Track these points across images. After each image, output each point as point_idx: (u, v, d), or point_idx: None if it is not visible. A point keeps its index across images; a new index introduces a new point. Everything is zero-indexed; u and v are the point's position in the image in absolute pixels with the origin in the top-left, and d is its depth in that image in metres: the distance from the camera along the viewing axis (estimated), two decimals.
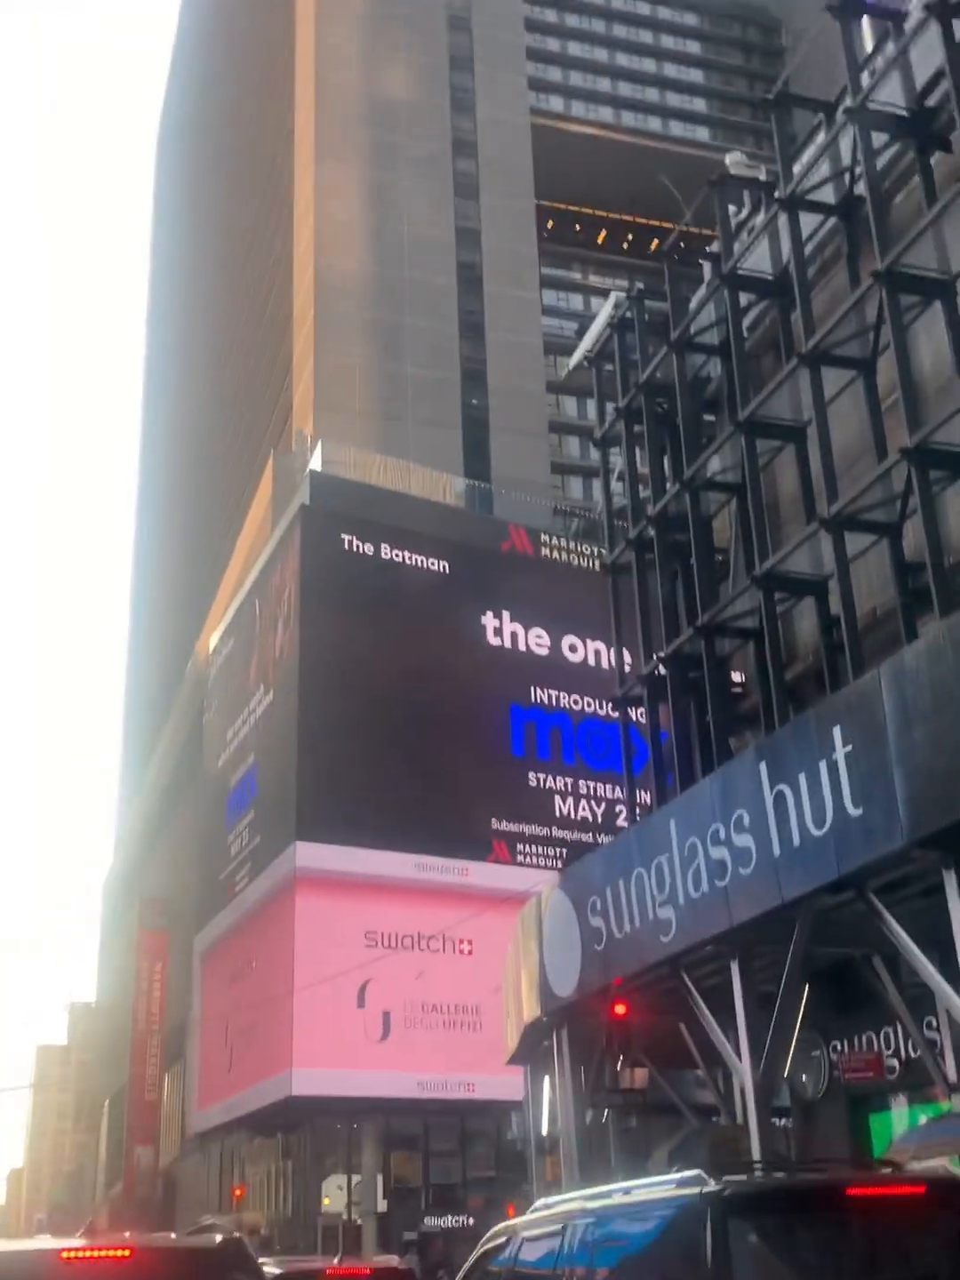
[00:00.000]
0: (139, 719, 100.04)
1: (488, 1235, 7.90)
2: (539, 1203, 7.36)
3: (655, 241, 63.68)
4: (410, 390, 58.51)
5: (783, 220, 17.40)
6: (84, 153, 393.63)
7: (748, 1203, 5.59)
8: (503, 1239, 7.52)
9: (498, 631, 42.96)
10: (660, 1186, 6.13)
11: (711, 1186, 5.59)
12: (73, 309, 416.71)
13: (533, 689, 42.69)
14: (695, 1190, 5.65)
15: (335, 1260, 16.35)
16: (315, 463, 45.86)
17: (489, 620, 42.82)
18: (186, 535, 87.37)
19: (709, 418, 21.06)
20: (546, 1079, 20.06)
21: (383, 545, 41.70)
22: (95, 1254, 5.87)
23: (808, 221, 17.35)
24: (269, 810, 41.19)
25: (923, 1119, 15.05)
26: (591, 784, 42.30)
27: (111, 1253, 5.89)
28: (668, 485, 20.19)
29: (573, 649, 43.71)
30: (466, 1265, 8.11)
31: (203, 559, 76.46)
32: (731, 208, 20.02)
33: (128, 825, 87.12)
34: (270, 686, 43.14)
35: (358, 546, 41.33)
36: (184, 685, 65.53)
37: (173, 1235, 7.82)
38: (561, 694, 43.05)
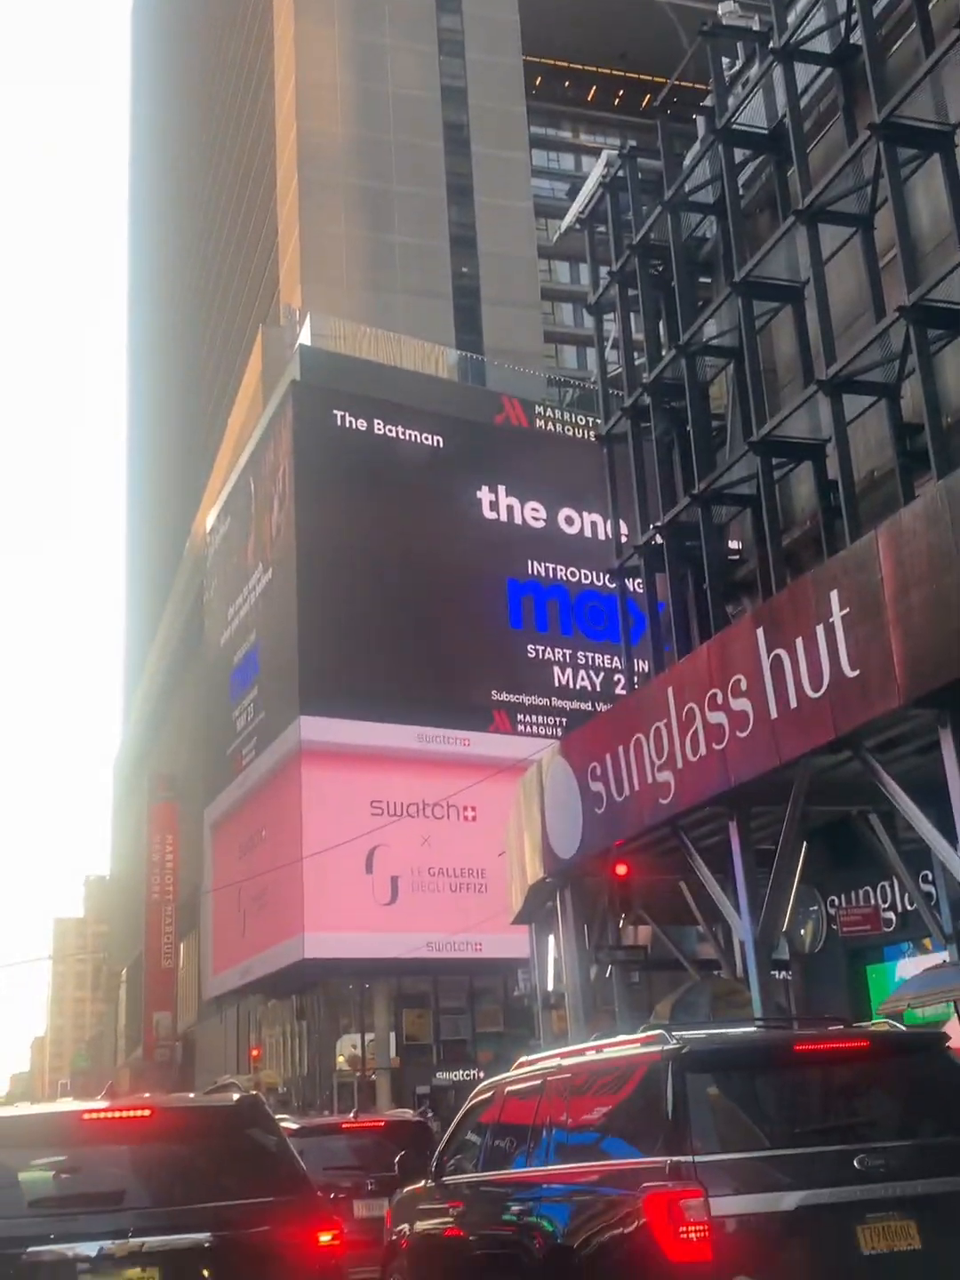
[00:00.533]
0: (141, 598, 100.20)
1: (474, 1091, 8.46)
2: (521, 1060, 7.89)
3: (647, 97, 61.85)
4: (398, 259, 57.39)
5: (778, 72, 16.95)
6: (60, 19, 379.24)
7: (704, 1059, 6.18)
8: (489, 1094, 8.11)
9: (493, 505, 42.82)
10: (628, 1045, 6.71)
11: (672, 1045, 6.16)
12: (54, 182, 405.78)
13: (530, 562, 42.73)
14: (657, 1049, 6.24)
15: (351, 1114, 17.05)
16: (304, 337, 45.21)
17: (484, 494, 42.66)
18: (180, 413, 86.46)
19: (705, 280, 20.76)
20: (551, 937, 20.63)
21: (376, 421, 41.34)
22: (116, 1115, 6.03)
23: (803, 73, 16.90)
24: (272, 686, 41.58)
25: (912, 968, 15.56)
26: (589, 655, 42.62)
27: (132, 1113, 6.05)
28: (663, 351, 19.98)
29: (569, 521, 43.64)
30: (456, 1118, 8.63)
31: (197, 437, 75.81)
32: (725, 60, 19.48)
33: (135, 702, 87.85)
34: (269, 565, 43.18)
35: (350, 422, 40.98)
36: (183, 564, 65.53)
37: (191, 1095, 8.12)
38: (558, 567, 43.10)
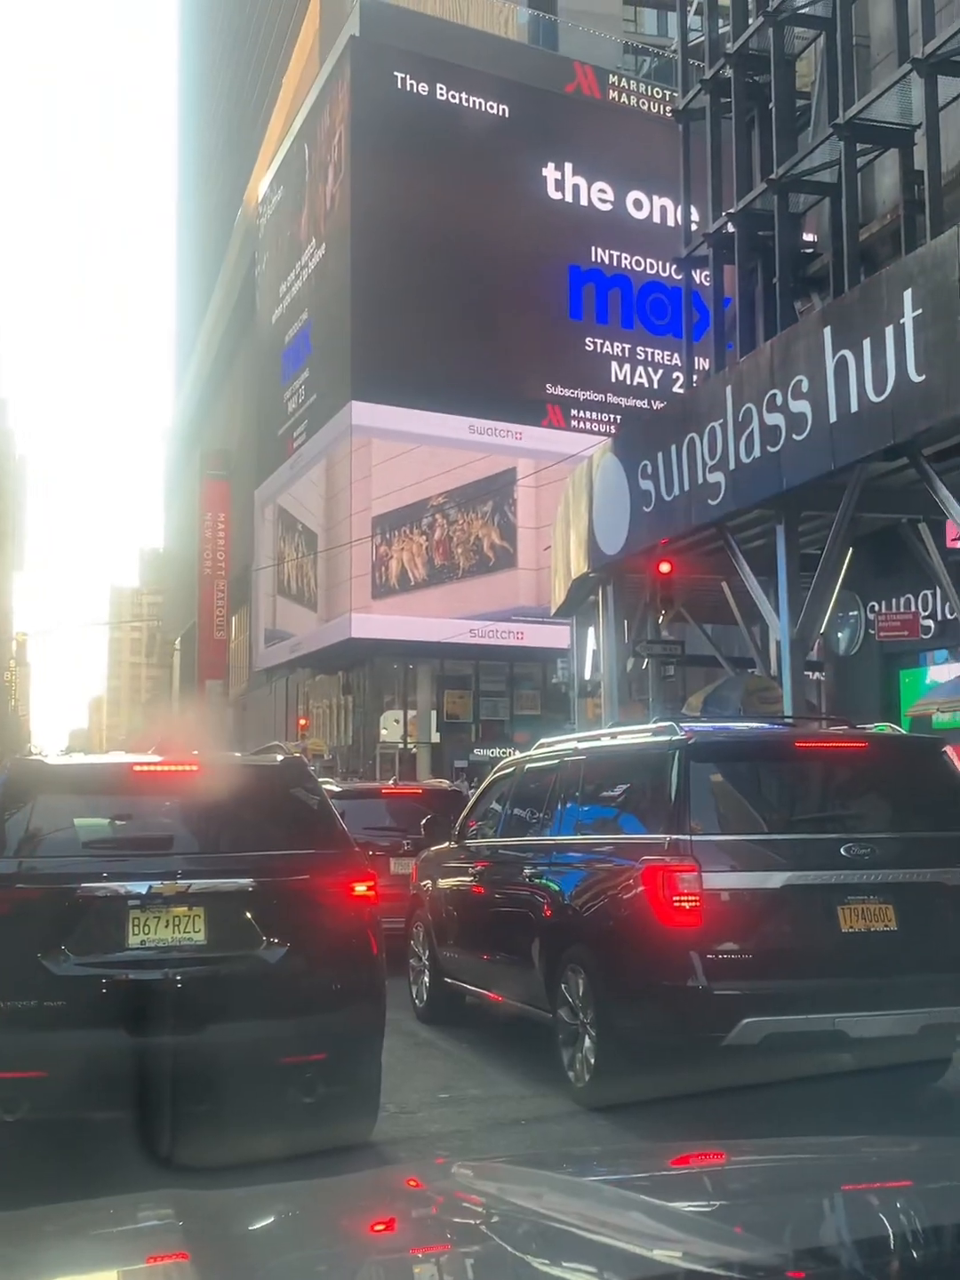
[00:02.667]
0: (192, 267, 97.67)
1: (497, 766, 8.93)
2: (542, 741, 8.30)
3: None
4: None
5: None
6: None
7: (709, 750, 6.63)
8: (510, 770, 8.57)
9: (559, 184, 40.74)
10: (640, 734, 7.17)
11: (679, 735, 6.55)
12: None
13: (593, 249, 40.95)
14: (666, 738, 6.63)
15: (392, 781, 17.93)
16: None
17: (549, 171, 40.52)
18: (231, 69, 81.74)
19: None
20: (591, 630, 21.07)
21: (438, 85, 38.91)
22: (165, 768, 6.31)
23: None
24: (324, 368, 40.99)
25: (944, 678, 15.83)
26: (650, 350, 41.46)
27: (180, 767, 6.29)
28: (750, 18, 18.48)
29: (638, 205, 41.56)
30: (479, 787, 9.15)
31: (250, 95, 71.90)
32: None
33: (188, 376, 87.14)
34: (322, 240, 41.73)
35: (411, 85, 38.61)
36: (235, 234, 63.48)
37: (238, 754, 8.52)
38: (623, 254, 41.33)
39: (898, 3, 15.83)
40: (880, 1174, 2.49)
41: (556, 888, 7.21)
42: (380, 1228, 2.30)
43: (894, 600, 17.19)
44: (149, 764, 6.46)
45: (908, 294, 11.91)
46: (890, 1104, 6.38)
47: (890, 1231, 2.08)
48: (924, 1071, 6.78)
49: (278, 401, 46.63)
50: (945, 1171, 2.46)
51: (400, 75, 38.39)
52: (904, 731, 7.95)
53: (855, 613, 17.67)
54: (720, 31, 19.71)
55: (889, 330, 12.13)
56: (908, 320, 11.87)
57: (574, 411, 39.90)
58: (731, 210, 18.60)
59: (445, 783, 18.19)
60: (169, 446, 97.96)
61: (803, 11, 17.65)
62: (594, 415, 39.99)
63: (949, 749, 7.02)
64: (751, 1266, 1.81)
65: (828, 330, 13.37)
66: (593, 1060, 6.51)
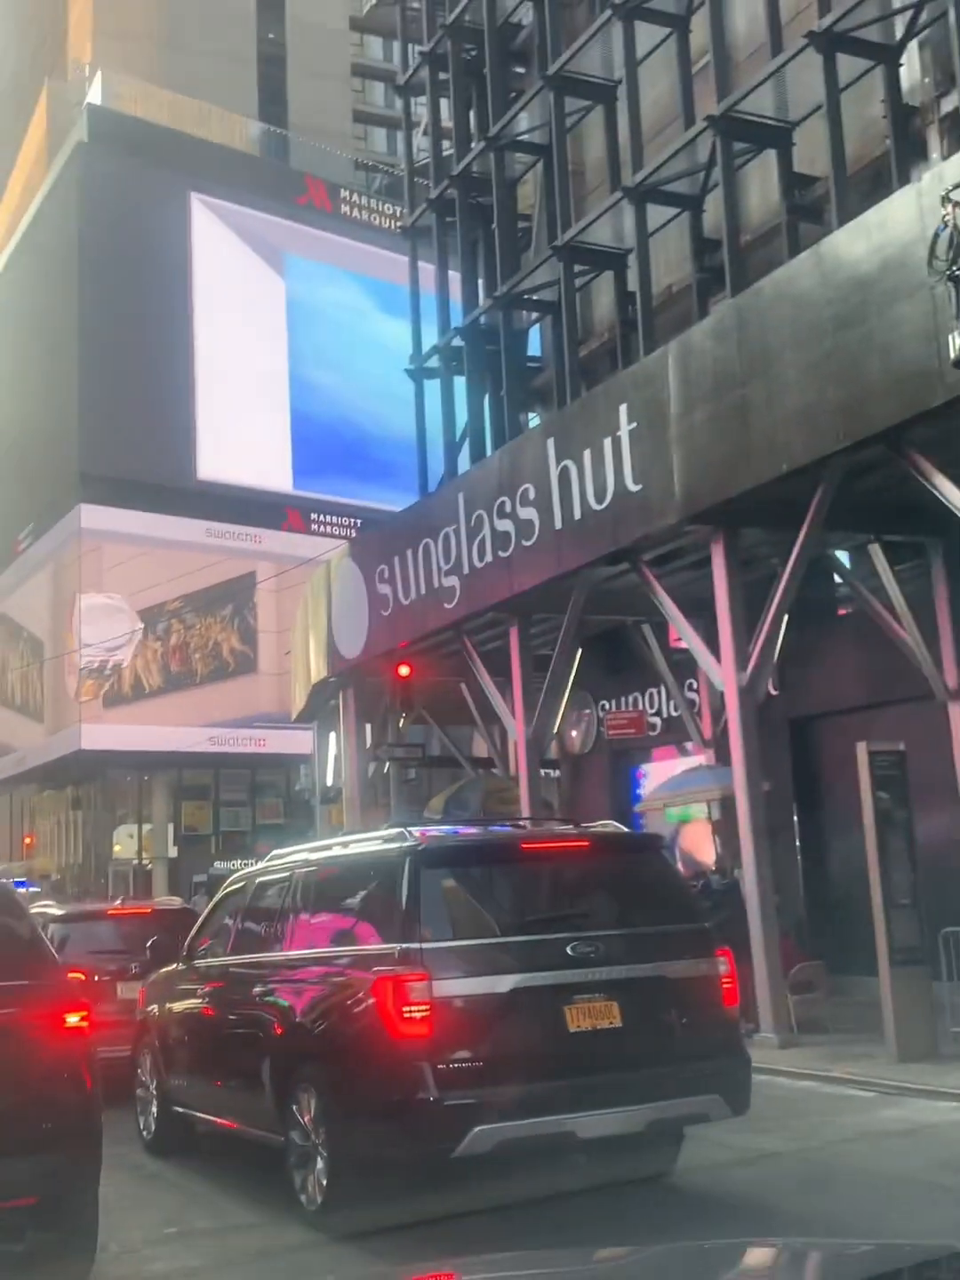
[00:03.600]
0: None
1: (227, 881, 8.76)
2: (272, 854, 8.19)
3: None
4: (201, 17, 53.33)
5: None
6: None
7: (439, 856, 6.63)
8: (241, 884, 8.46)
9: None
10: (371, 842, 7.14)
11: (410, 841, 6.57)
12: None
13: None
14: (396, 845, 6.63)
15: (119, 901, 17.17)
16: (95, 95, 41.89)
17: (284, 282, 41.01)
18: None
19: (519, 70, 20.05)
20: (332, 735, 20.95)
21: (168, 192, 38.98)
22: None
23: None
24: (51, 470, 39.84)
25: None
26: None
27: None
28: (473, 143, 19.32)
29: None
30: (209, 906, 8.92)
31: None
32: None
33: None
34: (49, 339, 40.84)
35: (141, 195, 38.53)
36: None
37: None
38: None
39: (609, 134, 16.85)
40: None
41: (286, 1004, 7.00)
42: None
43: (623, 698, 17.78)
44: None
45: (623, 408, 12.51)
46: (626, 1200, 6.38)
47: None
48: (655, 1163, 6.83)
49: (2, 500, 44.89)
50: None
51: (130, 184, 38.19)
52: (624, 829, 8.14)
53: (587, 711, 18.18)
54: (445, 154, 20.50)
55: (607, 442, 12.69)
56: (623, 433, 12.46)
57: (314, 514, 40.01)
58: (458, 325, 19.21)
59: (176, 901, 17.56)
60: None
61: (522, 138, 18.56)
62: (334, 518, 40.18)
63: (677, 842, 7.23)
64: None
65: (550, 441, 13.90)
66: (325, 1182, 6.28)
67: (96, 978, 10.21)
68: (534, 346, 20.47)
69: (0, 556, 44.60)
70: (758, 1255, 2.76)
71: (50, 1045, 5.50)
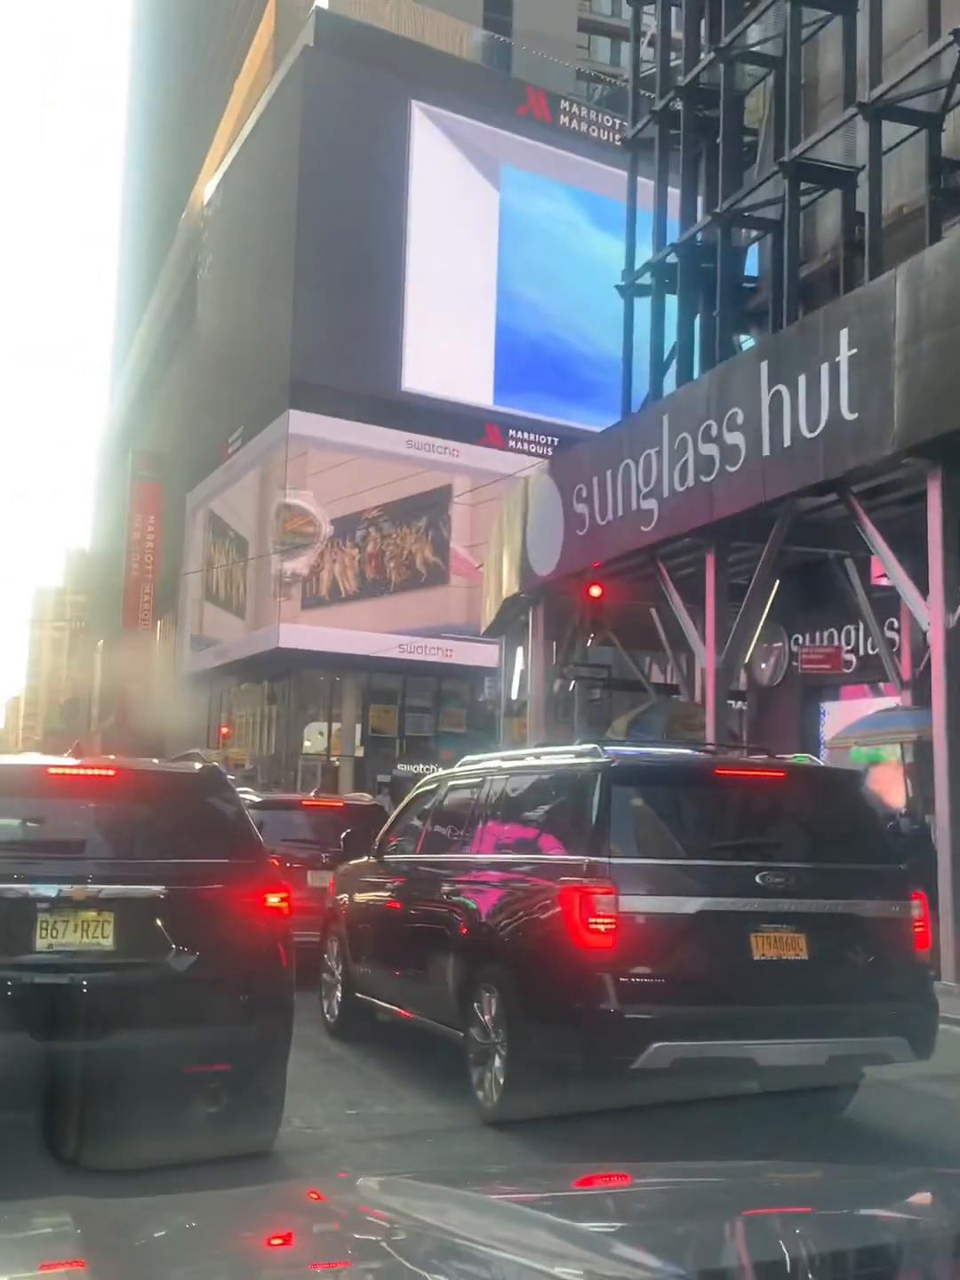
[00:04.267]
0: (132, 271, 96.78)
1: (421, 782, 8.92)
2: (466, 758, 8.31)
3: None
4: None
5: None
6: None
7: (632, 774, 6.69)
8: (433, 786, 8.62)
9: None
10: (564, 755, 7.20)
11: (603, 758, 6.60)
12: None
13: None
14: (590, 760, 6.67)
15: (312, 793, 17.82)
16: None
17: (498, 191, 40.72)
18: (185, 68, 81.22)
19: None
20: (520, 650, 21.13)
21: (390, 97, 38.97)
22: (81, 772, 6.23)
23: None
24: (262, 374, 40.77)
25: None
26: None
27: (96, 771, 6.26)
28: (702, 53, 18.75)
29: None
30: (402, 803, 9.14)
31: (200, 97, 71.45)
32: None
33: (123, 379, 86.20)
34: (268, 246, 41.55)
35: (363, 102, 38.64)
36: (178, 237, 63.01)
37: (156, 761, 8.43)
38: None
39: (846, 47, 16.15)
40: (782, 1199, 2.51)
41: (473, 905, 7.19)
42: (279, 1241, 2.27)
43: (818, 633, 17.44)
44: (64, 766, 6.38)
45: (844, 333, 12.13)
46: (794, 1131, 6.42)
47: (789, 1256, 2.09)
48: (829, 1100, 6.84)
49: (216, 403, 46.26)
50: (845, 1199, 2.48)
51: (352, 86, 38.37)
52: (822, 763, 8.06)
53: (779, 643, 17.91)
54: (672, 64, 19.97)
55: (824, 368, 12.33)
56: (843, 359, 12.08)
57: (512, 431, 40.02)
58: (675, 241, 18.83)
59: (367, 797, 18.10)
60: (101, 448, 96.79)
61: (754, 50, 17.94)
62: (532, 435, 40.12)
63: (868, 782, 7.15)
64: None
65: (764, 364, 13.58)
66: (502, 1080, 6.49)
67: (289, 864, 10.66)
68: (751, 267, 19.91)
69: (210, 458, 46.06)
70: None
71: (252, 923, 5.77)
